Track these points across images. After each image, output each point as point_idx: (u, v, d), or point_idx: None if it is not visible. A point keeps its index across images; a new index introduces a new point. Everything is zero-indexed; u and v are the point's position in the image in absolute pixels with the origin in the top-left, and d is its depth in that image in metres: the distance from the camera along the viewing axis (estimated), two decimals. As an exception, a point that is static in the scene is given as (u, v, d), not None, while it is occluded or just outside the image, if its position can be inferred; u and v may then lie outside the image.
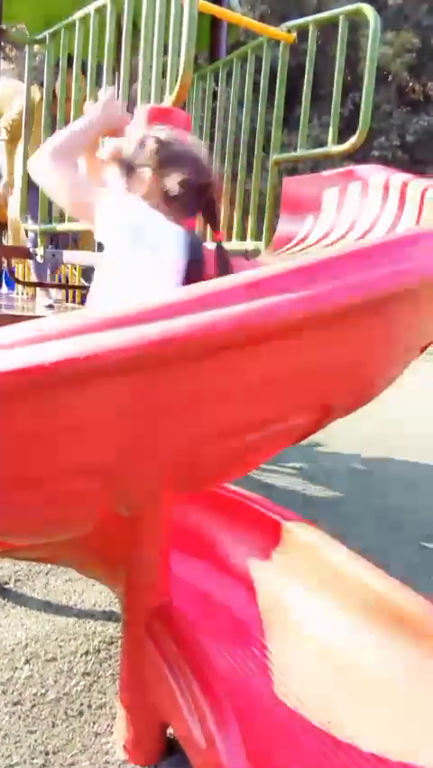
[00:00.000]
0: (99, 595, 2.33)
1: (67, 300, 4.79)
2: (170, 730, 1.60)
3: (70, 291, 5.04)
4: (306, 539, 1.99)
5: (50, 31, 2.75)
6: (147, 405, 0.93)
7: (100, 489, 1.01)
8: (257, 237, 2.77)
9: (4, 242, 4.58)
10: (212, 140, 3.07)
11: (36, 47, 2.98)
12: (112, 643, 2.03)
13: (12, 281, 5.41)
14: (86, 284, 6.47)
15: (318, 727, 1.55)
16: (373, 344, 1.07)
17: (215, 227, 1.66)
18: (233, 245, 2.78)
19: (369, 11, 2.11)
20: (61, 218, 2.84)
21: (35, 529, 1.15)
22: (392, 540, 3.04)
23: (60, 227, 2.88)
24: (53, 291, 4.37)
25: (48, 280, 4.30)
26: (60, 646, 2.01)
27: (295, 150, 2.55)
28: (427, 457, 4.74)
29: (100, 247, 1.54)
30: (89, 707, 1.75)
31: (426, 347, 1.32)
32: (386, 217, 1.96)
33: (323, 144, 2.44)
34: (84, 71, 2.51)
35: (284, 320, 0.90)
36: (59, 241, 4.16)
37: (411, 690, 1.52)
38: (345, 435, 5.08)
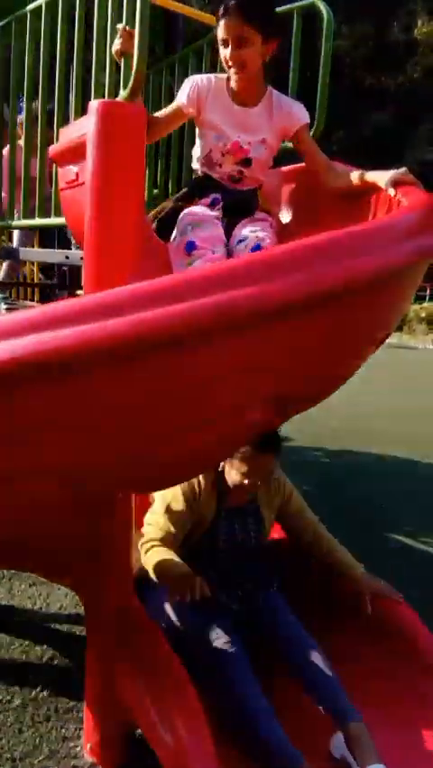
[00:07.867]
0: (65, 598, 2.30)
1: (25, 298, 4.67)
2: (138, 731, 1.59)
3: (29, 289, 4.94)
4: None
5: (1, 23, 2.69)
6: (96, 405, 0.91)
7: (55, 489, 0.99)
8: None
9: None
10: (168, 136, 3.04)
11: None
12: (79, 646, 2.00)
13: None
14: (45, 281, 6.33)
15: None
16: (325, 340, 1.07)
17: None
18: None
19: (322, 6, 2.11)
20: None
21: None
22: (364, 538, 3.02)
23: (16, 223, 2.82)
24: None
25: None
26: (26, 652, 1.98)
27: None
28: (394, 452, 4.79)
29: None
30: (56, 711, 1.73)
31: (381, 341, 1.33)
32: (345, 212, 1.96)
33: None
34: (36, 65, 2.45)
35: (233, 316, 0.89)
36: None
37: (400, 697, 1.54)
38: (314, 431, 5.09)
